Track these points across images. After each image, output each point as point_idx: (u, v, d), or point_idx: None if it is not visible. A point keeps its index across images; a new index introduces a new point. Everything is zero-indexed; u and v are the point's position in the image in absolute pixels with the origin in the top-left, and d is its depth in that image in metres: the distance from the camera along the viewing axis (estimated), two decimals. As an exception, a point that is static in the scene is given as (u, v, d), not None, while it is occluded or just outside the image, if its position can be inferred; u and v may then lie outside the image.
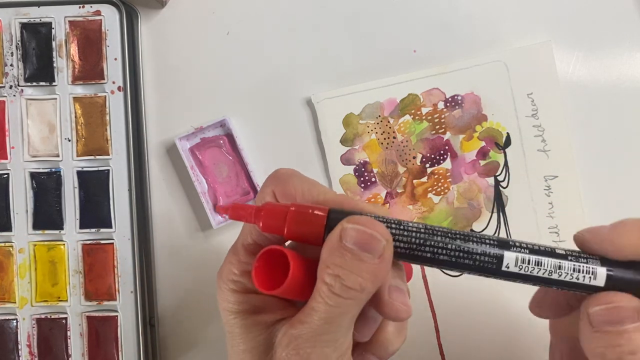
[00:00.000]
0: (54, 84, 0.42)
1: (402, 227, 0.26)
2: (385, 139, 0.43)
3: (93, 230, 0.42)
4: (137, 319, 0.41)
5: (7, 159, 0.42)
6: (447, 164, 0.43)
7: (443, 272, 0.43)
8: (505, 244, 0.26)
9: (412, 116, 0.43)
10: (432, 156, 0.43)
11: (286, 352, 0.25)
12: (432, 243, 0.26)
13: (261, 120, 0.44)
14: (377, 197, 0.43)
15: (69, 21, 0.42)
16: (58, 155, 0.42)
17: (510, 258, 0.26)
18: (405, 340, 0.30)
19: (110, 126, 0.42)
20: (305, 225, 0.26)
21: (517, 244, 0.26)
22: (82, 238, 0.42)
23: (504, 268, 0.26)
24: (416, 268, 0.43)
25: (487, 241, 0.26)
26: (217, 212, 0.27)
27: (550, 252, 0.26)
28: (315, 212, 0.26)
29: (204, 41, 0.44)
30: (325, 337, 0.25)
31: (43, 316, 0.42)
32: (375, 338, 0.29)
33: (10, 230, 0.42)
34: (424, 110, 0.43)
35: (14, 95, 0.42)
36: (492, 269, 0.26)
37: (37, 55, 0.42)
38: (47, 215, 0.42)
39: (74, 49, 0.42)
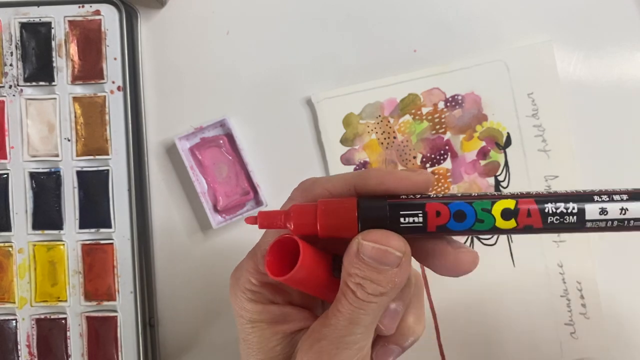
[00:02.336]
0: (53, 83, 0.42)
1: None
2: (385, 138, 0.43)
3: (93, 230, 0.42)
4: (137, 319, 0.41)
5: (6, 158, 0.42)
6: (447, 164, 0.43)
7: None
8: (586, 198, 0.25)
9: (412, 116, 0.43)
10: (433, 156, 0.43)
11: (308, 356, 0.26)
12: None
13: (261, 120, 0.44)
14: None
15: (68, 21, 0.42)
16: (57, 155, 0.42)
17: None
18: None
19: (109, 126, 0.42)
20: (337, 218, 0.25)
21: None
22: (82, 238, 0.42)
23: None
24: (415, 265, 0.43)
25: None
26: (246, 222, 0.27)
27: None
28: (344, 203, 0.26)
29: (204, 41, 0.44)
30: (348, 338, 0.25)
31: (42, 316, 0.42)
32: (396, 328, 0.29)
33: (10, 230, 0.42)
34: (424, 110, 0.43)
35: (14, 95, 0.42)
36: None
37: (36, 55, 0.42)
38: (46, 215, 0.42)
39: (73, 49, 0.42)
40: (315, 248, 0.26)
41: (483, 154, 0.43)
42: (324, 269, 0.26)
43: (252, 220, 0.26)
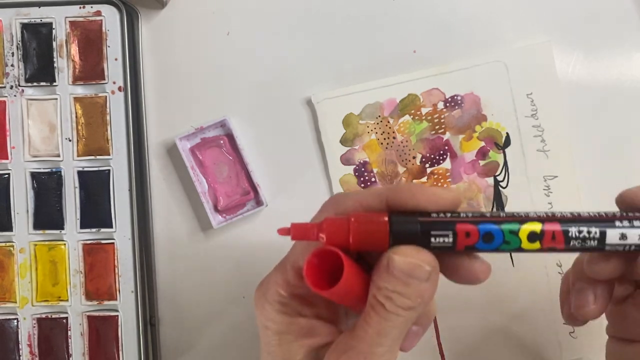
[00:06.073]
0: (54, 84, 0.42)
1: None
2: (385, 139, 0.43)
3: (94, 230, 0.42)
4: (138, 319, 0.41)
5: (7, 159, 0.42)
6: (446, 164, 0.43)
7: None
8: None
9: (411, 116, 0.43)
10: (432, 156, 0.43)
11: None
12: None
13: (261, 120, 0.44)
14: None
15: (69, 21, 0.42)
16: (59, 155, 0.42)
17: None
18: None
19: (110, 126, 0.42)
20: (369, 233, 0.26)
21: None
22: (83, 238, 0.42)
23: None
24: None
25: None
26: (279, 233, 0.27)
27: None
28: (377, 217, 0.26)
29: (204, 41, 0.44)
30: (376, 349, 0.26)
31: (44, 316, 0.42)
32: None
33: (11, 230, 0.42)
34: (424, 111, 0.43)
35: (15, 96, 0.42)
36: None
37: (37, 56, 0.42)
38: (47, 215, 0.42)
39: (74, 49, 0.42)
40: (352, 258, 0.27)
41: (482, 154, 0.43)
42: (360, 278, 0.27)
43: (285, 232, 0.27)
